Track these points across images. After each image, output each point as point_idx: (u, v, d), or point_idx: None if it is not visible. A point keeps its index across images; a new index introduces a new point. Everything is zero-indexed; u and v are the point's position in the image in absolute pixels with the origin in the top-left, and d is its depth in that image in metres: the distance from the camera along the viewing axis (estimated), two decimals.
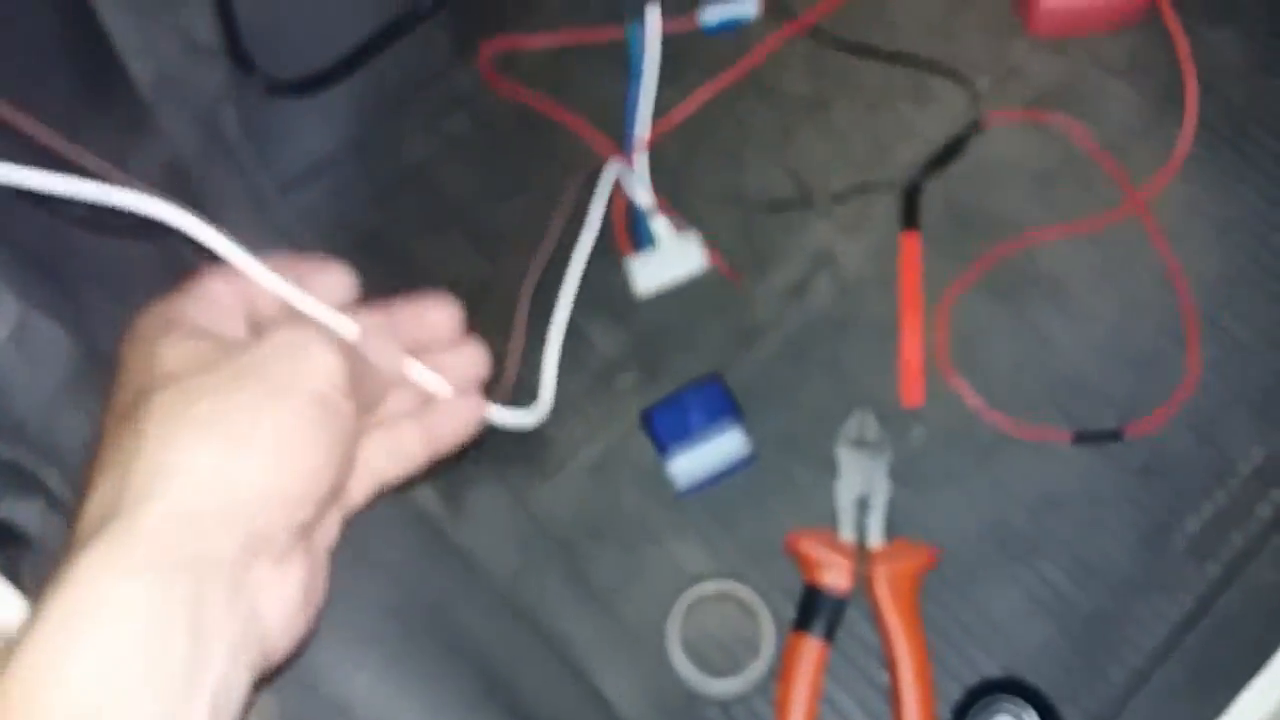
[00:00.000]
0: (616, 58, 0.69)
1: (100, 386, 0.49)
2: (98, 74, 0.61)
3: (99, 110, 0.61)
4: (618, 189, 0.65)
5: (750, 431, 0.60)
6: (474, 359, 0.46)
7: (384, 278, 0.66)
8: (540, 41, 0.70)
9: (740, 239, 0.65)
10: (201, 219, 0.44)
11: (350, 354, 0.40)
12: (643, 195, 0.65)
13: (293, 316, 0.42)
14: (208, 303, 0.43)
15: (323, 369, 0.39)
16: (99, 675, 0.32)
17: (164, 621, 0.33)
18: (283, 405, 0.38)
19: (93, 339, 0.53)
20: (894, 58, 0.68)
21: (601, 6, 0.70)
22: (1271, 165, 0.64)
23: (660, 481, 0.60)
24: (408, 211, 0.67)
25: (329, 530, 0.42)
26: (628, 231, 0.65)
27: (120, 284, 0.57)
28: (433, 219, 0.67)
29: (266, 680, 0.38)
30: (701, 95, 0.68)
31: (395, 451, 0.45)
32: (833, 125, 0.67)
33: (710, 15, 0.69)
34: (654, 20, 0.67)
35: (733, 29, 0.70)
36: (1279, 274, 0.62)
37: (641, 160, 0.66)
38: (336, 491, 0.40)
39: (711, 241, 0.65)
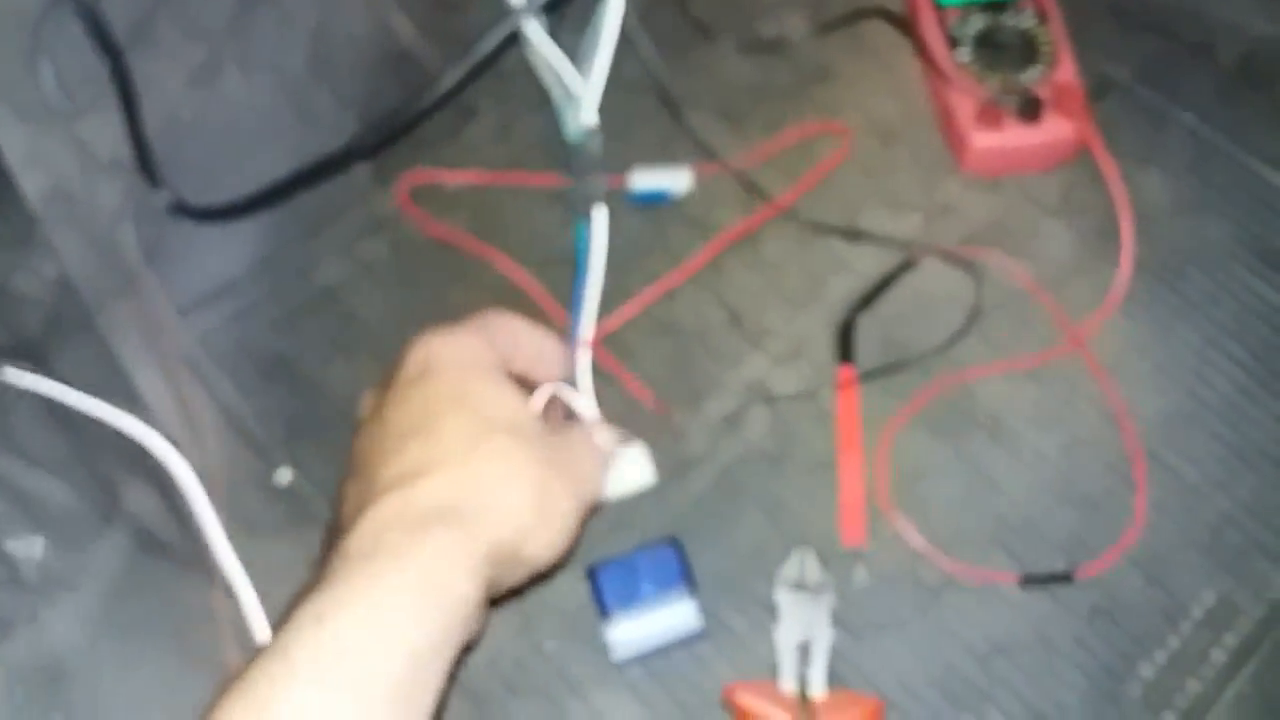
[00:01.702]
0: (540, 193, 0.67)
1: None
2: None
3: None
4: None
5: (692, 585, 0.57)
6: None
7: (289, 402, 0.63)
8: (460, 178, 0.68)
9: (672, 370, 0.63)
10: None
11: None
12: (586, 408, 0.59)
13: (573, 422, 0.57)
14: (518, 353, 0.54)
15: (598, 481, 0.54)
16: (423, 636, 0.42)
17: (468, 614, 0.44)
18: (577, 500, 0.50)
19: None
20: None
21: (525, 137, 0.69)
22: (1207, 303, 0.63)
23: (587, 627, 0.56)
24: (316, 336, 0.63)
25: None
26: None
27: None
28: (342, 343, 0.63)
29: None
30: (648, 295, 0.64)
31: None
32: (764, 258, 0.66)
33: (640, 182, 0.66)
34: (601, 221, 0.61)
35: (658, 202, 0.67)
36: (1220, 412, 0.61)
37: (585, 364, 0.60)
38: None
39: (642, 372, 0.62)
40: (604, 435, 0.56)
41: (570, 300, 0.61)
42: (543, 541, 0.48)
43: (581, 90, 0.61)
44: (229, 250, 0.64)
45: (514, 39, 0.59)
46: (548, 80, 0.65)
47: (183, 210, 0.61)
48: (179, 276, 0.62)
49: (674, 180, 0.66)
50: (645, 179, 0.66)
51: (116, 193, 0.61)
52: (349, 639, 0.41)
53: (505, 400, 0.49)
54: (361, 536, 0.44)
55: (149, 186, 0.61)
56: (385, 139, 0.60)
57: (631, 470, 0.58)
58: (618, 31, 0.61)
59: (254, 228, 0.64)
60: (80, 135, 0.60)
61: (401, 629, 0.42)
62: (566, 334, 0.60)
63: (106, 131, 0.60)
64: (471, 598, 0.44)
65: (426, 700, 0.43)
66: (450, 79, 0.57)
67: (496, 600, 0.49)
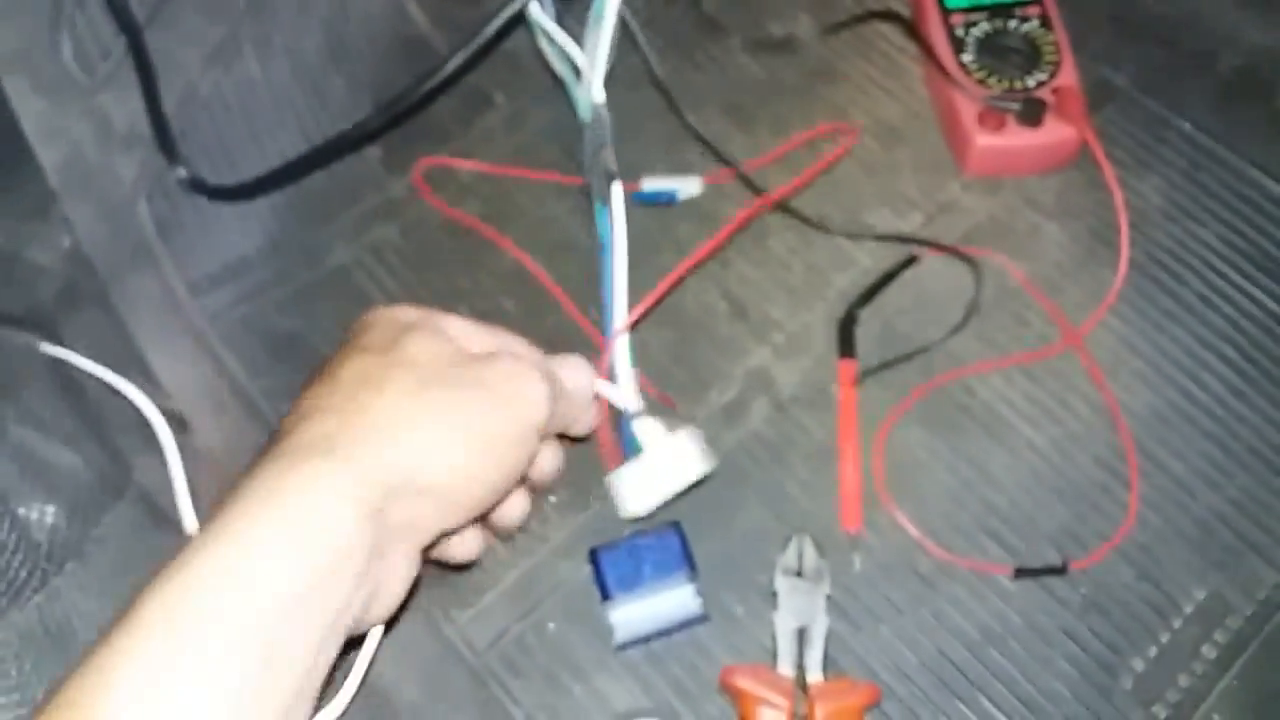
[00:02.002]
0: (550, 182, 0.68)
1: None
2: (0, 156, 0.58)
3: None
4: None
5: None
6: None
7: (297, 380, 0.63)
8: (473, 165, 0.69)
9: (677, 359, 0.64)
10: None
11: (552, 394, 0.48)
12: (626, 396, 0.56)
13: (514, 350, 0.50)
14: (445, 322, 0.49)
15: (537, 401, 0.47)
16: (293, 578, 0.38)
17: (347, 556, 0.39)
18: (499, 419, 0.45)
19: None
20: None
21: (538, 128, 0.70)
22: (1201, 305, 0.65)
23: (588, 609, 0.57)
24: (326, 316, 0.64)
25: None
26: (615, 441, 0.57)
27: (2, 378, 0.53)
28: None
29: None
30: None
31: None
32: (769, 253, 0.67)
33: (649, 184, 0.67)
34: (619, 196, 0.58)
35: (664, 201, 0.68)
36: (1212, 411, 0.62)
37: (623, 350, 0.57)
38: (485, 512, 0.47)
39: (648, 361, 0.63)
40: (573, 364, 0.53)
41: (579, 288, 0.61)
42: (454, 467, 0.44)
43: (587, 66, 0.61)
44: (242, 230, 0.65)
45: (520, 20, 0.59)
46: (558, 66, 0.66)
47: (198, 187, 0.62)
48: (192, 253, 0.63)
49: (683, 184, 0.67)
50: (654, 183, 0.67)
51: (132, 168, 0.61)
52: (204, 586, 0.37)
53: (413, 341, 0.45)
54: (235, 484, 0.40)
55: (167, 162, 0.61)
56: (392, 119, 0.61)
57: (684, 462, 0.55)
58: (619, 3, 0.60)
59: (267, 209, 0.65)
60: (97, 110, 0.60)
61: (265, 570, 0.38)
62: (600, 325, 0.59)
63: (123, 106, 0.61)
64: (352, 531, 0.39)
65: (301, 654, 0.38)
66: (459, 59, 0.57)
67: (429, 551, 0.45)
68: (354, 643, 0.46)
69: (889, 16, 0.73)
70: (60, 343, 0.56)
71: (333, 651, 0.40)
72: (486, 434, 0.45)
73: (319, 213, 0.67)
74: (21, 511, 0.49)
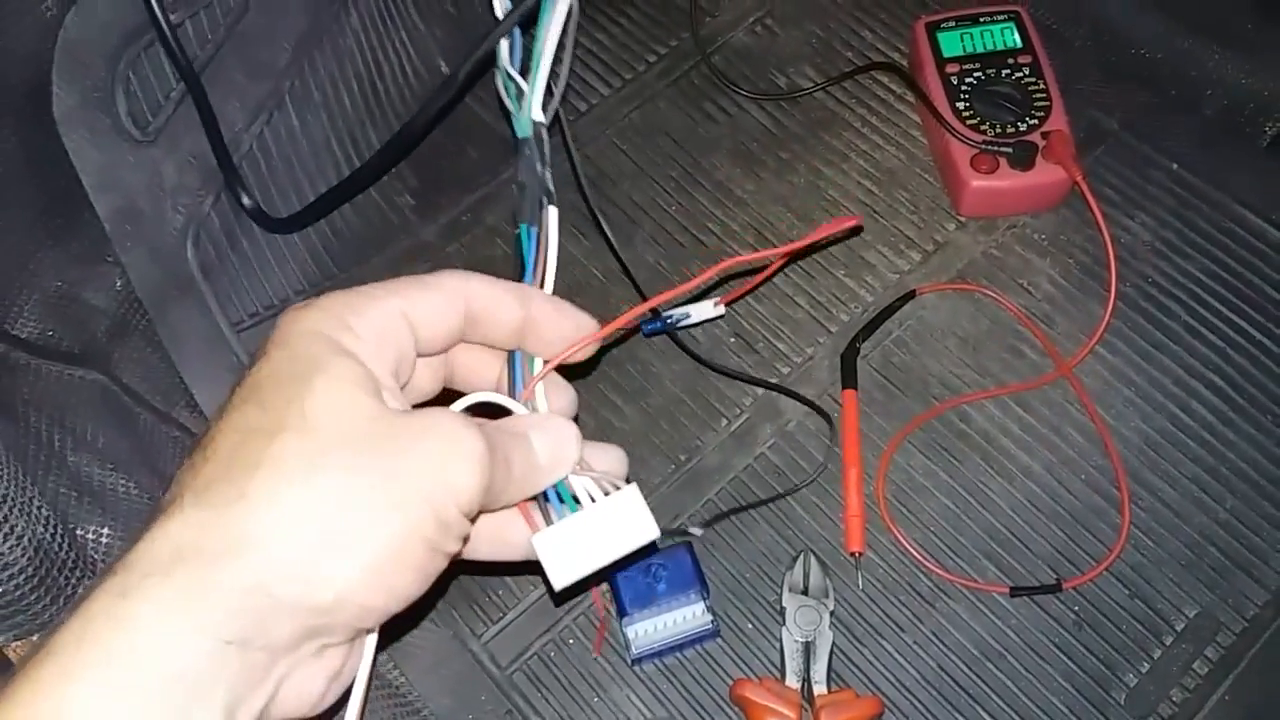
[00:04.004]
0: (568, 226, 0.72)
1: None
2: (59, 204, 0.62)
3: (57, 240, 0.62)
4: None
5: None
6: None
7: None
8: None
9: (688, 389, 0.67)
10: None
11: (494, 461, 0.38)
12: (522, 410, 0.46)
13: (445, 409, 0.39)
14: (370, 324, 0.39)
15: (459, 486, 0.37)
16: None
17: (202, 691, 0.33)
18: (403, 519, 0.36)
19: (30, 462, 0.53)
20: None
21: (562, 175, 0.74)
22: (1188, 335, 0.67)
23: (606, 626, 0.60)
24: None
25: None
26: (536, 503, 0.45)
27: (59, 409, 0.57)
28: None
29: None
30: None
31: (497, 540, 0.44)
32: (776, 290, 0.70)
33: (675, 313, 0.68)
34: (553, 221, 0.52)
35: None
36: (1199, 437, 0.64)
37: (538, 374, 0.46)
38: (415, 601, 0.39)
39: (660, 390, 0.67)
40: (556, 429, 0.43)
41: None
42: (346, 584, 0.35)
43: (526, 85, 0.57)
44: (281, 272, 0.69)
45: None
46: (506, 99, 0.60)
47: (261, 220, 0.66)
48: (234, 294, 0.67)
49: (699, 311, 0.68)
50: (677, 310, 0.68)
51: (180, 215, 0.65)
52: None
53: (316, 389, 0.36)
54: (79, 599, 0.34)
55: (232, 192, 0.66)
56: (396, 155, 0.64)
57: (625, 524, 0.44)
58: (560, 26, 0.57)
59: (305, 252, 0.70)
60: (149, 162, 0.65)
61: None
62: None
63: (172, 159, 0.65)
64: (204, 669, 0.33)
65: None
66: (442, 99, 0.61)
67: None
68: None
69: (888, 67, 0.77)
70: (113, 377, 0.61)
71: None
72: (391, 539, 0.35)
73: (354, 256, 0.71)
74: (79, 532, 0.53)
